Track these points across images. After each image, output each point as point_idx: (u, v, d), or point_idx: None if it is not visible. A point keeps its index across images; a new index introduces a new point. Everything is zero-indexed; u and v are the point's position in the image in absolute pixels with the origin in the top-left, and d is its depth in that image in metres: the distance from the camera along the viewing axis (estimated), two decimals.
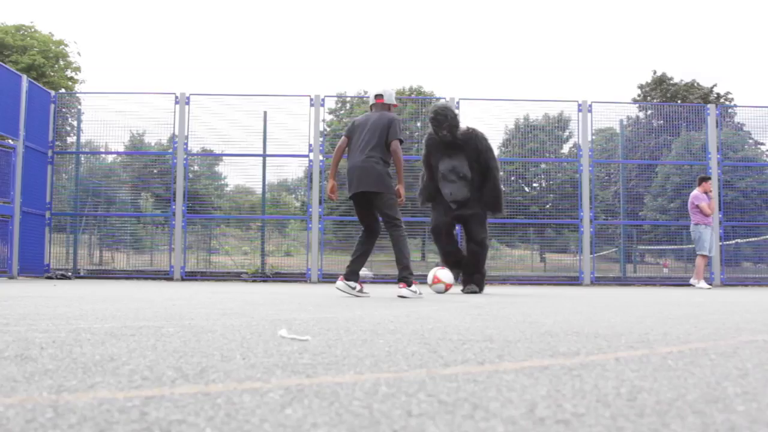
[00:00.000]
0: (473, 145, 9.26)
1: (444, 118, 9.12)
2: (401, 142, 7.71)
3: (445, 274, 9.15)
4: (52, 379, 1.79)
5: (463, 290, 9.44)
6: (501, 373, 1.97)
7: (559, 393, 1.65)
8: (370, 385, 1.73)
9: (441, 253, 9.72)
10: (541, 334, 3.19)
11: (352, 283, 7.72)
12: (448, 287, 9.09)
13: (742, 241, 17.66)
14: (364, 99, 27.41)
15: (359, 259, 7.87)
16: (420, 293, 7.59)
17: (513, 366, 2.11)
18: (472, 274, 9.48)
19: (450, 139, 9.20)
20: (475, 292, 9.23)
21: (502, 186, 9.58)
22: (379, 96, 8.09)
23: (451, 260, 9.55)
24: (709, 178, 14.59)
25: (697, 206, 14.30)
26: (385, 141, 7.64)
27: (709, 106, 16.95)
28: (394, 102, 8.18)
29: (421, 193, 9.97)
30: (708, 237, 14.49)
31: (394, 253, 7.74)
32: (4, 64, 15.40)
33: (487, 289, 9.35)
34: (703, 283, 14.36)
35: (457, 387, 1.72)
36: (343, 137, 7.95)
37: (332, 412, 1.42)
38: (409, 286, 7.45)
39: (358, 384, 1.75)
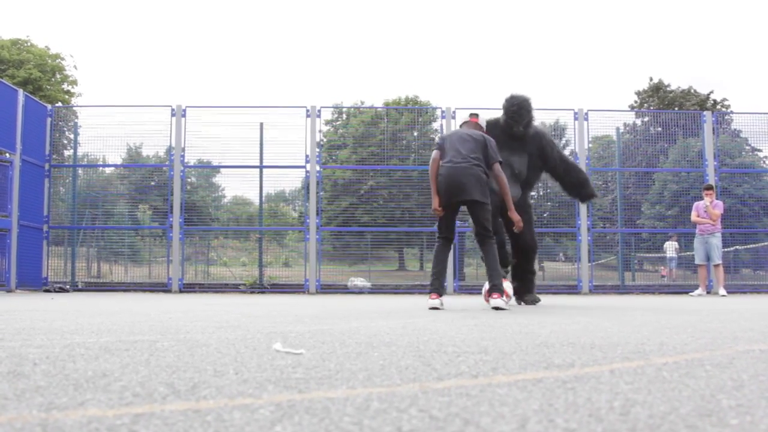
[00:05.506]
0: (538, 142, 8.56)
1: (527, 113, 8.36)
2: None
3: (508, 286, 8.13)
4: (43, 396, 1.78)
5: (524, 301, 8.62)
6: (494, 386, 1.96)
7: (551, 407, 1.64)
8: (361, 401, 1.72)
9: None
10: (536, 345, 3.18)
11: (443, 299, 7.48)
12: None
13: (741, 248, 17.69)
14: (361, 109, 27.45)
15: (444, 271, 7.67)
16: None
17: (506, 379, 2.10)
18: (525, 280, 8.71)
19: (521, 134, 8.39)
20: (535, 301, 8.62)
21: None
22: (474, 115, 7.83)
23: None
24: (708, 186, 14.68)
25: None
26: (484, 156, 7.32)
27: (705, 112, 16.98)
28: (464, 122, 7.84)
29: None
30: (696, 246, 14.73)
31: (488, 263, 7.37)
32: (0, 79, 15.40)
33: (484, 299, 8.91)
34: (699, 290, 14.50)
35: (450, 401, 1.71)
36: (435, 151, 7.37)
37: (322, 429, 1.41)
38: (502, 295, 7.25)
39: (350, 399, 1.74)
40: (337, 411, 1.59)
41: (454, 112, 15.98)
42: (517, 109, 8.33)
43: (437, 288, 7.26)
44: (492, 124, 8.44)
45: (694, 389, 1.93)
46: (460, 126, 7.90)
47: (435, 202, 7.26)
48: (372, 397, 1.77)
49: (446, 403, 1.70)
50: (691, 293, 14.76)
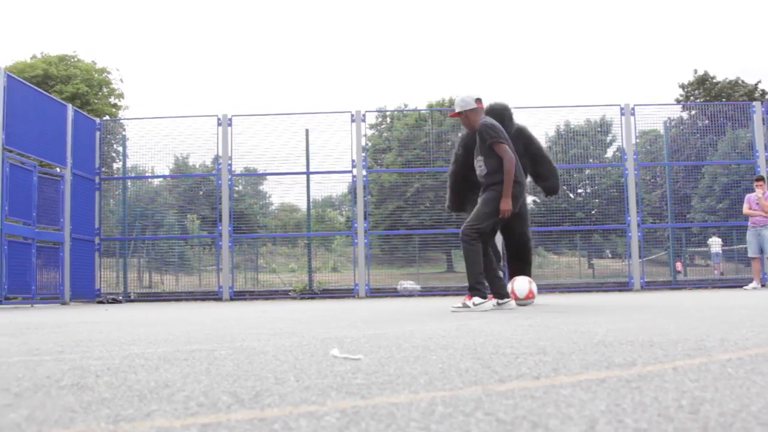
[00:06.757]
0: (524, 140, 8.58)
1: (509, 120, 8.51)
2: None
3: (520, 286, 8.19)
4: (109, 408, 1.80)
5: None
6: (558, 387, 1.94)
7: (618, 407, 1.62)
8: (426, 405, 1.71)
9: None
10: (594, 344, 3.15)
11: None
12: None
13: None
14: (405, 113, 27.44)
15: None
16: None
17: (569, 380, 2.08)
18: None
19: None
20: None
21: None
22: (479, 100, 7.61)
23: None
24: (759, 178, 14.48)
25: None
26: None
27: (754, 103, 16.74)
28: (470, 107, 7.51)
29: (448, 204, 9.11)
30: (748, 238, 14.47)
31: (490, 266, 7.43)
32: (50, 95, 15.65)
33: (536, 298, 8.93)
34: (753, 284, 14.26)
35: (515, 404, 1.70)
36: (507, 146, 7.20)
37: None
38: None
39: (414, 404, 1.73)
40: (402, 416, 1.58)
41: None
42: (496, 117, 8.11)
43: (485, 291, 7.20)
44: (470, 133, 8.35)
45: (763, 386, 1.89)
46: (467, 116, 7.54)
47: (509, 203, 7.12)
48: (436, 402, 1.76)
49: (512, 405, 1.68)
50: (745, 287, 14.55)
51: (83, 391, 2.11)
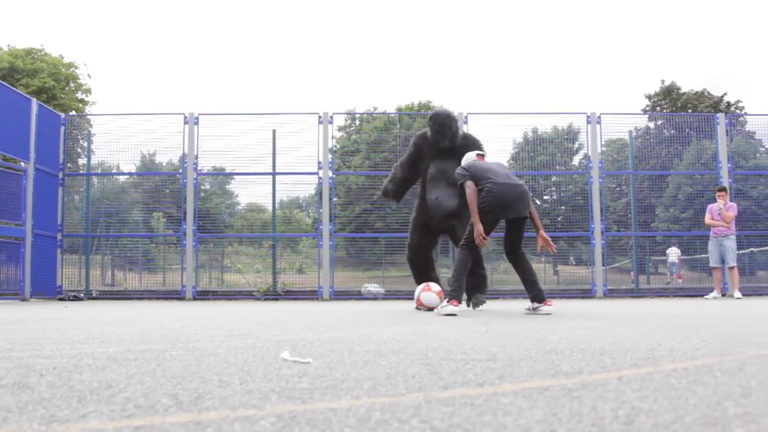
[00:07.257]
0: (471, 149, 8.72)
1: (449, 129, 8.84)
2: None
3: (429, 298, 8.44)
4: (46, 408, 1.78)
5: (470, 305, 8.79)
6: (499, 395, 1.94)
7: (555, 417, 1.62)
8: (364, 411, 1.71)
9: (416, 275, 9.66)
10: (546, 351, 3.16)
11: None
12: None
13: (755, 250, 17.59)
14: (374, 115, 27.46)
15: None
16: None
17: (513, 387, 2.08)
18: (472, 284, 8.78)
19: (449, 147, 8.92)
20: (482, 303, 8.76)
21: None
22: (480, 155, 8.09)
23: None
24: (721, 188, 14.62)
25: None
26: None
27: (718, 115, 16.88)
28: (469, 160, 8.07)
29: (391, 187, 9.70)
30: (710, 248, 14.63)
31: (526, 273, 7.77)
32: (14, 88, 15.47)
33: (499, 304, 9.06)
34: (714, 293, 14.40)
35: (453, 412, 1.69)
36: (469, 181, 7.45)
37: None
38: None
39: (353, 410, 1.73)
40: (338, 422, 1.58)
41: (466, 117, 15.94)
42: (439, 128, 8.84)
43: (459, 295, 7.26)
44: (422, 138, 9.19)
45: (701, 396, 1.90)
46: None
47: (480, 229, 7.30)
48: (375, 408, 1.75)
49: (449, 413, 1.68)
50: (705, 296, 14.69)
51: (23, 390, 2.09)
